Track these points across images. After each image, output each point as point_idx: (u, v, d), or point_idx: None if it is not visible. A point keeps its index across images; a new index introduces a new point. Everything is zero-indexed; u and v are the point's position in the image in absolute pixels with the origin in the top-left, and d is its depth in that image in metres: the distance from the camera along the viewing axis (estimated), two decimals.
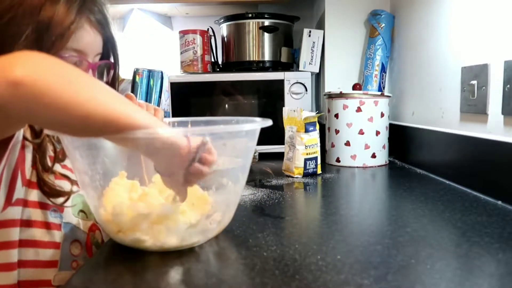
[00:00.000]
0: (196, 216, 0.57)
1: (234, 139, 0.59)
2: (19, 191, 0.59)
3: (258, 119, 0.64)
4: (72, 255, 0.65)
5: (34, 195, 0.62)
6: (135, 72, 1.61)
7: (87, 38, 0.62)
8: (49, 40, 0.56)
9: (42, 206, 0.63)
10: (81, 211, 0.70)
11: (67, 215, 0.66)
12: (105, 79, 0.70)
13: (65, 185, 0.65)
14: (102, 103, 0.44)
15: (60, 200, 0.63)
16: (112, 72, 0.71)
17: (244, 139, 0.60)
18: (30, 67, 0.42)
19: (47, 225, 0.63)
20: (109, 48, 0.69)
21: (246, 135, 0.60)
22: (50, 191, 0.62)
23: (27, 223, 0.61)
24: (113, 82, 0.72)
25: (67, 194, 0.64)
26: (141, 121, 0.46)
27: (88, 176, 0.57)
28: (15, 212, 0.59)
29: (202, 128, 0.57)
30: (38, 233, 0.62)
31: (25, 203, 0.61)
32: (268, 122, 0.58)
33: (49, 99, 0.42)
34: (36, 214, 0.62)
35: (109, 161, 0.59)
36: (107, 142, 0.54)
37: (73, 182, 0.67)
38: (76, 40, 0.60)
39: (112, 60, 0.71)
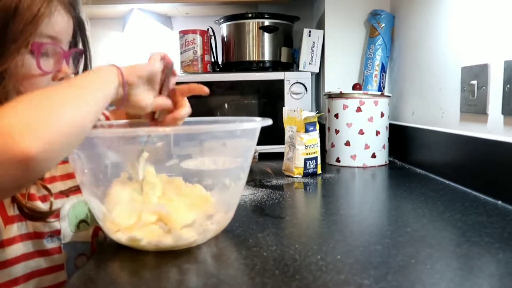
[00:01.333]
0: (192, 215, 0.57)
1: (234, 139, 0.59)
2: (2, 233, 0.56)
3: (258, 118, 0.64)
4: (79, 268, 0.64)
5: (23, 228, 0.58)
6: None
7: (61, 24, 0.58)
8: (17, 27, 0.52)
9: (37, 235, 0.60)
10: (82, 221, 0.67)
11: (66, 235, 0.63)
12: (75, 69, 0.66)
13: (46, 204, 0.61)
14: (86, 112, 0.46)
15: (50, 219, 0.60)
16: (82, 60, 0.67)
17: (244, 139, 0.60)
18: (31, 134, 0.39)
19: (45, 253, 0.60)
20: (78, 34, 0.64)
21: (246, 135, 0.60)
22: (33, 214, 0.58)
23: (25, 257, 0.58)
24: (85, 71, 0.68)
25: (52, 212, 0.60)
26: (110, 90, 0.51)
27: (90, 176, 0.57)
28: (11, 251, 0.57)
29: (202, 126, 0.56)
30: (39, 263, 0.59)
31: (13, 240, 0.57)
32: (268, 122, 0.59)
33: (54, 145, 0.41)
34: (30, 246, 0.59)
35: (110, 162, 0.59)
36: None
37: (58, 194, 0.63)
38: (50, 25, 0.56)
39: (82, 47, 0.66)
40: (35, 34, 0.54)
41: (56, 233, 0.62)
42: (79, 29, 0.64)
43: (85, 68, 0.68)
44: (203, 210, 0.59)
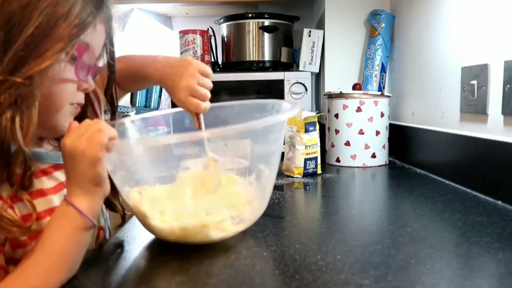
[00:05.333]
0: (223, 215, 0.58)
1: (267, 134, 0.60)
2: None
3: (286, 105, 0.65)
4: None
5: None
6: None
7: (100, 36, 0.59)
8: (63, 30, 0.52)
9: None
10: None
11: None
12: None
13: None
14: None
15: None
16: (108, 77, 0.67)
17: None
18: None
19: None
20: (105, 51, 0.64)
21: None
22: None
23: None
24: (109, 89, 0.68)
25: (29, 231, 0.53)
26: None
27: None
28: None
29: (232, 127, 0.53)
30: None
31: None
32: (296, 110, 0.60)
33: None
34: None
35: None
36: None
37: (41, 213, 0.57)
38: (91, 35, 0.56)
39: (108, 61, 0.66)
40: (79, 39, 0.54)
41: None
42: (107, 46, 0.64)
43: (109, 86, 0.68)
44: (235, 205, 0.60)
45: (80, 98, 0.59)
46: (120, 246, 0.60)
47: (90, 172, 0.49)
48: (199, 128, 0.69)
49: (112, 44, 0.64)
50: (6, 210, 0.50)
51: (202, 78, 0.69)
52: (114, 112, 0.72)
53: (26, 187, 0.54)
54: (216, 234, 0.56)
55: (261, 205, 0.64)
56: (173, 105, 1.34)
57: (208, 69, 0.71)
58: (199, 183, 0.64)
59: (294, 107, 0.61)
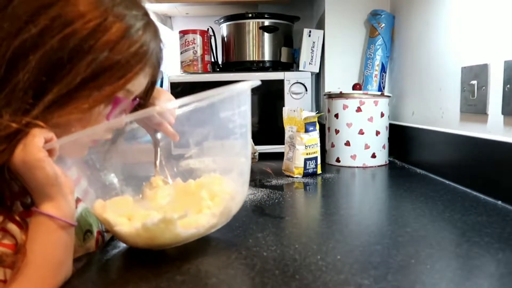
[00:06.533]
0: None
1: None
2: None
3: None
4: None
5: None
6: None
7: (143, 83, 0.56)
8: (107, 80, 0.50)
9: None
10: (87, 231, 0.64)
11: (73, 251, 0.61)
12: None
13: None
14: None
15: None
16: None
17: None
18: None
19: None
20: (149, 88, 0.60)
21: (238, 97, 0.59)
22: None
23: None
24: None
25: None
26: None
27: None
28: None
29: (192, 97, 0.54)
30: None
31: None
32: (256, 82, 0.57)
33: None
34: None
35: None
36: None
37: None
38: (134, 83, 0.53)
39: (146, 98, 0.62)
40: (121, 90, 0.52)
41: None
42: (151, 84, 0.61)
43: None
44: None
45: (107, 135, 0.58)
46: (120, 246, 0.60)
47: (40, 176, 0.48)
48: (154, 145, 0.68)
49: (154, 81, 0.60)
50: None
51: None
52: None
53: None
54: (184, 231, 0.53)
55: (239, 197, 0.62)
56: None
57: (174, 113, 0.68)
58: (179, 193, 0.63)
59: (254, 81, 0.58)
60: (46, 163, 0.48)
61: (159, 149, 0.66)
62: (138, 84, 0.55)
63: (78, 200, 0.64)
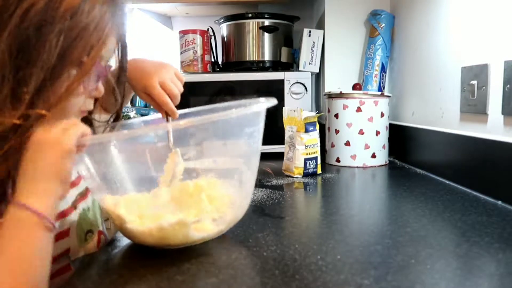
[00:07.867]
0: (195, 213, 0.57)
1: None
2: None
3: (262, 99, 0.64)
4: None
5: None
6: None
7: (112, 46, 0.55)
8: (85, 47, 0.49)
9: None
10: (88, 231, 0.64)
11: (74, 252, 0.60)
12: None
13: None
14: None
15: None
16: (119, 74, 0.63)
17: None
18: None
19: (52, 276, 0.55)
20: (117, 52, 0.60)
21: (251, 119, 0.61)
22: None
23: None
24: (120, 87, 0.64)
25: None
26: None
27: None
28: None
29: (201, 117, 0.52)
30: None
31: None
32: (273, 102, 0.59)
33: None
34: None
35: None
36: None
37: (69, 209, 0.59)
38: (105, 48, 0.53)
39: (120, 63, 0.62)
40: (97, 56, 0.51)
41: (66, 252, 0.59)
42: (120, 48, 0.60)
43: (119, 84, 0.64)
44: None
45: (89, 105, 0.57)
46: (120, 246, 0.60)
47: (59, 165, 0.45)
48: (167, 120, 0.68)
49: (124, 42, 0.60)
50: None
51: (176, 80, 0.68)
52: (118, 116, 0.68)
53: None
54: (197, 234, 0.55)
55: (243, 204, 0.62)
56: None
57: (182, 76, 0.70)
58: (178, 192, 0.63)
59: (270, 100, 0.59)
60: (72, 158, 0.47)
61: (170, 127, 0.65)
62: (109, 48, 0.55)
63: (78, 200, 0.64)
